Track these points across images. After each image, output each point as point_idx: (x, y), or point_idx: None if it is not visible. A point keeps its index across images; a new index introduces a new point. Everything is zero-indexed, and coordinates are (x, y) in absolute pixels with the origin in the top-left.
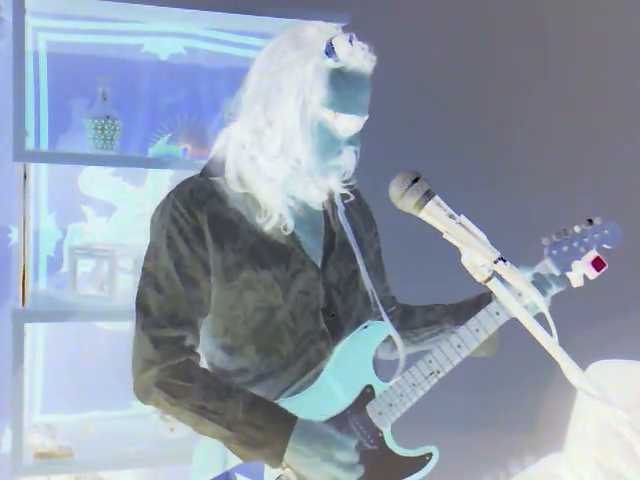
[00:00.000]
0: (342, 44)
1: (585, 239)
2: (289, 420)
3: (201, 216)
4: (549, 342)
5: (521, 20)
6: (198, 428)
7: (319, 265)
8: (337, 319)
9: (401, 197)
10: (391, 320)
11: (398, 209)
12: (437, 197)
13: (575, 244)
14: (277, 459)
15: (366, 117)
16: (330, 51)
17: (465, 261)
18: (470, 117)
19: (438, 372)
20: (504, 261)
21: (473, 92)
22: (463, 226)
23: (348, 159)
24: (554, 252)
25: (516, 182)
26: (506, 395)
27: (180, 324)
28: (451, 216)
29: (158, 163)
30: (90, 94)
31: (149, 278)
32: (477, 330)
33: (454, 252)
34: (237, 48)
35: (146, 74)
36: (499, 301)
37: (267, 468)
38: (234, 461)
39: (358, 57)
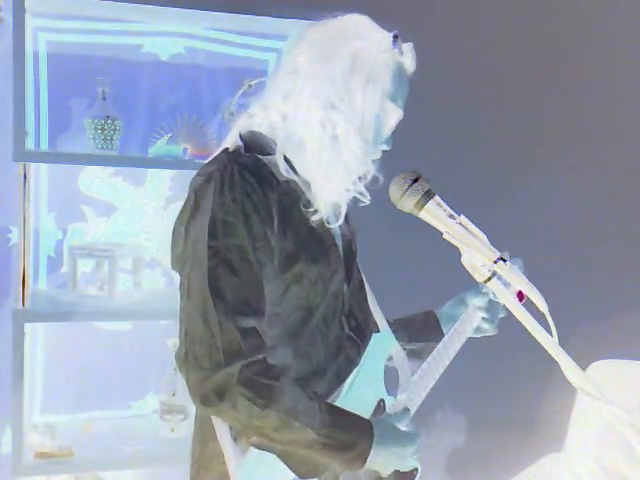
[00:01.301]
0: (401, 40)
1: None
2: (366, 420)
3: (272, 195)
4: (549, 342)
5: (522, 19)
6: (277, 434)
7: (344, 266)
8: (359, 326)
9: (401, 197)
10: None
11: (398, 209)
12: (437, 197)
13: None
14: (362, 460)
15: None
16: (397, 43)
17: (465, 261)
18: (470, 117)
19: (426, 387)
20: (504, 261)
21: (473, 92)
22: (463, 226)
23: (378, 157)
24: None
25: (516, 182)
26: (506, 395)
27: (256, 313)
28: (451, 216)
29: (158, 163)
30: (90, 94)
31: (220, 258)
32: (459, 335)
33: (454, 252)
34: (237, 48)
35: (146, 74)
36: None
37: None
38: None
39: (411, 56)
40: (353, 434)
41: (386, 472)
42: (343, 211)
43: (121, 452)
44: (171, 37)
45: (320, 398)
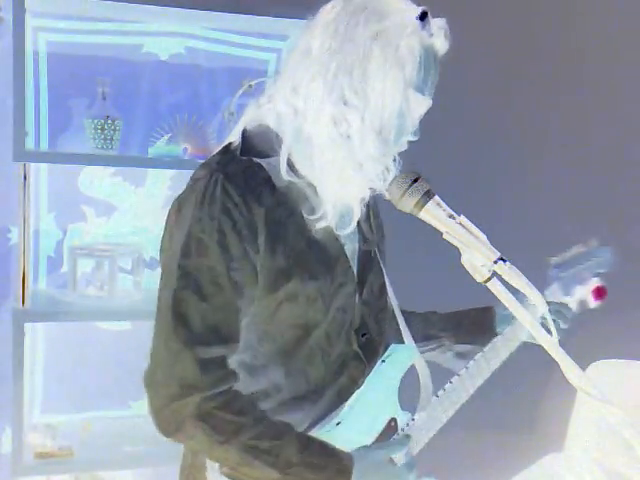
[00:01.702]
0: (431, 19)
1: (588, 262)
2: (346, 457)
3: (258, 210)
4: (549, 342)
5: (524, 18)
6: (241, 469)
7: (356, 277)
8: (372, 341)
9: (401, 197)
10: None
11: (398, 209)
12: (437, 197)
13: (580, 267)
14: None
15: None
16: (424, 24)
17: (465, 261)
18: (470, 117)
19: (456, 403)
20: (504, 261)
21: (473, 91)
22: (463, 226)
23: (402, 149)
24: (562, 275)
25: (516, 182)
26: (506, 395)
27: (225, 340)
28: (451, 216)
29: (158, 163)
30: (90, 94)
31: (188, 280)
32: (492, 358)
33: (454, 252)
34: (237, 48)
35: (146, 74)
36: (513, 328)
37: None
38: None
39: (442, 35)
40: (327, 473)
41: None
42: (355, 217)
43: (121, 452)
44: (171, 37)
45: (293, 433)
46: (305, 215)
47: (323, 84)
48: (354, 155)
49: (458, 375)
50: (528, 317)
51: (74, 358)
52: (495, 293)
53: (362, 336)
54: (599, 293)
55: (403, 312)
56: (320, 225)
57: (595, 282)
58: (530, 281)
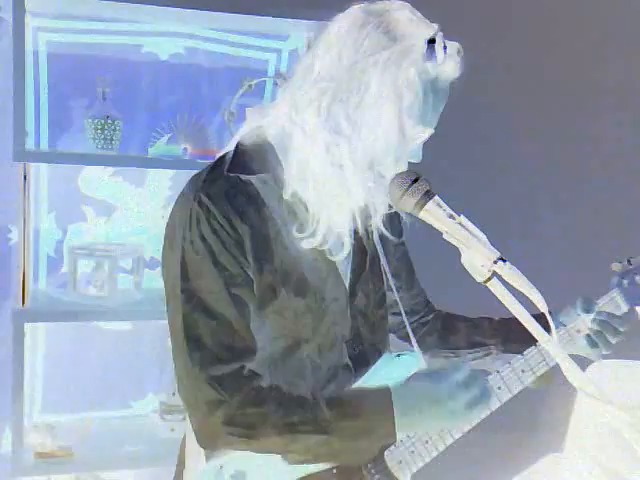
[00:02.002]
0: (440, 46)
1: None
2: (383, 393)
3: (242, 228)
4: (549, 342)
5: (526, 18)
6: (289, 448)
7: (348, 290)
8: (363, 352)
9: (401, 197)
10: (427, 332)
11: (398, 209)
12: (437, 197)
13: None
14: (391, 437)
15: None
16: (430, 53)
17: (465, 261)
18: (471, 116)
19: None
20: (504, 261)
21: (474, 91)
22: (463, 226)
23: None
24: (625, 282)
25: (517, 182)
26: None
27: (240, 355)
28: (451, 216)
29: (158, 163)
30: (90, 94)
31: (194, 303)
32: (523, 371)
33: (454, 252)
34: (237, 48)
35: (146, 74)
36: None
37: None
38: None
39: (452, 63)
40: (367, 416)
41: (452, 429)
42: (346, 243)
43: (121, 452)
44: (171, 37)
45: (319, 397)
46: (295, 232)
47: (318, 110)
48: (345, 184)
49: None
50: (528, 317)
51: (74, 358)
52: (495, 293)
53: (354, 347)
54: None
55: (448, 317)
56: (308, 245)
57: None
58: (531, 282)
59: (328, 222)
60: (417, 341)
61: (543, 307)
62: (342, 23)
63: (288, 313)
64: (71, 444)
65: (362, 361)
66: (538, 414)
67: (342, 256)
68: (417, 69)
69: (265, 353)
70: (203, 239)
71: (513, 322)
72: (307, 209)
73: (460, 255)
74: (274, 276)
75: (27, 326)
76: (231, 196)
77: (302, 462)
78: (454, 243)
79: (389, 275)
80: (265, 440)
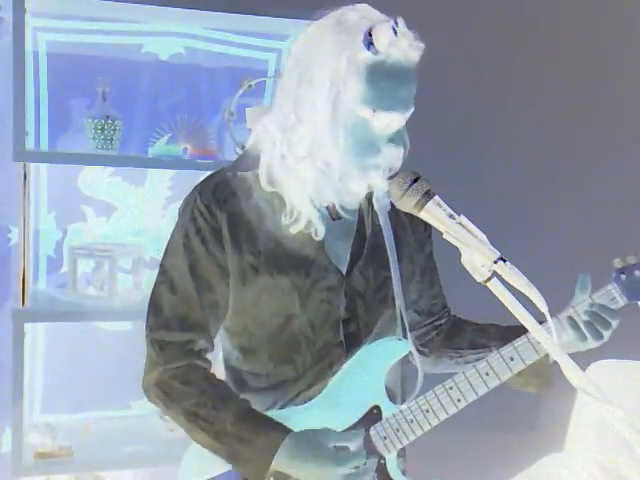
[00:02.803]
0: (383, 34)
1: None
2: (277, 436)
3: (220, 215)
4: (549, 342)
5: (525, 18)
6: (190, 434)
7: (344, 272)
8: (357, 331)
9: (401, 197)
10: (436, 334)
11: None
12: (437, 197)
13: None
14: (260, 476)
15: (410, 111)
16: (369, 42)
17: (465, 261)
18: (471, 117)
19: (458, 401)
20: (504, 261)
21: (474, 91)
22: (463, 226)
23: (389, 157)
24: (623, 277)
25: (517, 182)
26: (506, 395)
27: (190, 328)
28: (451, 216)
29: (158, 163)
30: (90, 94)
31: (164, 276)
32: (512, 359)
33: (454, 252)
34: (237, 48)
35: (146, 74)
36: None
37: None
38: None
39: (402, 47)
40: (253, 448)
41: None
42: (319, 227)
43: (121, 452)
44: (171, 37)
45: (235, 406)
46: (283, 217)
47: (274, 111)
48: (291, 173)
49: (463, 372)
50: (528, 317)
51: (74, 358)
52: (495, 293)
53: (350, 326)
54: None
55: (458, 321)
56: (294, 229)
57: None
58: (531, 281)
59: (302, 212)
60: (426, 341)
61: (543, 307)
62: (304, 32)
63: (276, 291)
64: (71, 444)
65: (355, 340)
66: (538, 414)
67: (318, 238)
68: (350, 59)
69: (264, 330)
70: (183, 225)
71: (521, 329)
72: (291, 202)
73: (460, 255)
74: (255, 258)
75: (27, 326)
76: (218, 189)
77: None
78: (454, 243)
79: (392, 261)
80: (176, 416)
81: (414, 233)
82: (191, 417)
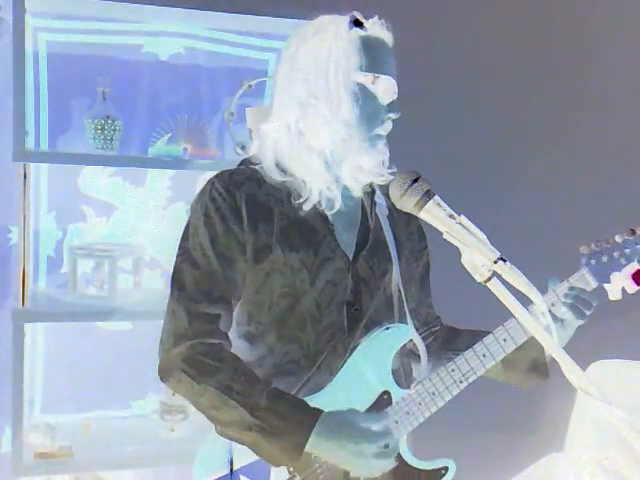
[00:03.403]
0: (361, 17)
1: (627, 250)
2: (314, 412)
3: (239, 195)
4: (549, 342)
5: (524, 18)
6: (217, 413)
7: (350, 257)
8: (360, 314)
9: (401, 197)
10: (433, 340)
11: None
12: (437, 197)
13: (616, 254)
14: (297, 451)
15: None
16: (355, 22)
17: (465, 261)
18: (471, 116)
19: (460, 382)
20: (504, 261)
21: (474, 91)
22: (463, 226)
23: (389, 127)
24: (592, 262)
25: (517, 182)
26: (506, 395)
27: (216, 301)
28: (451, 216)
29: (158, 163)
30: (90, 94)
31: (186, 255)
32: (505, 340)
33: (454, 252)
34: (237, 48)
35: (146, 74)
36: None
37: (273, 470)
38: (238, 462)
39: (379, 27)
40: (289, 422)
41: (351, 470)
42: (337, 197)
43: (121, 452)
44: (171, 37)
45: (268, 384)
46: (293, 200)
47: (281, 101)
48: (311, 148)
49: (462, 355)
50: (528, 317)
51: (74, 358)
52: (495, 293)
53: (354, 310)
54: (638, 277)
55: (452, 328)
56: (306, 207)
57: (634, 266)
58: (531, 281)
59: (318, 185)
60: (425, 347)
61: (543, 307)
62: (288, 42)
63: (286, 269)
64: (71, 444)
65: (357, 323)
66: (538, 414)
67: (334, 210)
68: (348, 36)
69: (272, 313)
70: (202, 207)
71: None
72: (305, 182)
73: (460, 255)
74: (269, 236)
75: (27, 326)
76: (234, 175)
77: (224, 435)
78: (454, 243)
79: (394, 256)
80: (204, 392)
81: (409, 240)
82: (225, 390)
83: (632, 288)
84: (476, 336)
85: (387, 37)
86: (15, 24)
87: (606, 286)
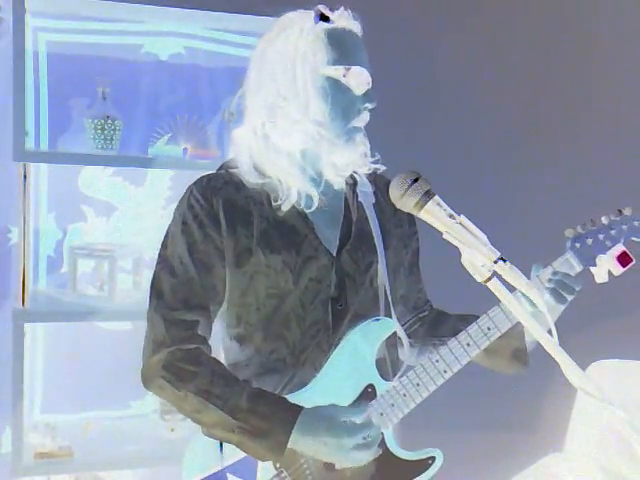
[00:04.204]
0: (326, 10)
1: (612, 231)
2: (294, 410)
3: (216, 201)
4: (549, 342)
5: (524, 18)
6: (200, 416)
7: (334, 253)
8: (345, 310)
9: (401, 197)
10: (420, 325)
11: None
12: (437, 197)
13: (601, 236)
14: (279, 450)
15: (370, 79)
16: (319, 17)
17: (465, 261)
18: (471, 116)
19: (445, 372)
20: (504, 261)
21: (474, 91)
22: (463, 226)
23: (366, 117)
24: (577, 245)
25: (517, 182)
26: (506, 395)
27: (192, 308)
28: (451, 216)
29: (158, 163)
30: (90, 94)
31: (164, 263)
32: (489, 328)
33: (454, 252)
34: (237, 48)
35: (146, 74)
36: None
37: (260, 467)
38: (226, 461)
39: (345, 18)
40: (270, 422)
41: (335, 463)
42: (314, 195)
43: (121, 452)
44: (171, 37)
45: (247, 385)
46: (273, 202)
47: (251, 105)
48: (279, 150)
49: (446, 344)
50: (528, 317)
51: (74, 358)
52: (495, 293)
53: (339, 306)
54: (624, 259)
55: (441, 313)
56: (285, 207)
57: (619, 248)
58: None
59: (294, 185)
60: (411, 332)
61: (543, 307)
62: (259, 42)
63: (269, 270)
64: (71, 444)
65: (340, 319)
66: (538, 414)
67: (313, 208)
68: (314, 31)
69: (261, 313)
70: (180, 215)
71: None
72: (280, 182)
73: (460, 255)
74: (249, 239)
75: (27, 326)
76: (212, 180)
77: (210, 436)
78: (454, 243)
79: (379, 247)
80: (185, 397)
81: (397, 227)
82: (204, 394)
83: (617, 270)
84: (463, 321)
85: (355, 27)
86: (15, 24)
87: (592, 269)
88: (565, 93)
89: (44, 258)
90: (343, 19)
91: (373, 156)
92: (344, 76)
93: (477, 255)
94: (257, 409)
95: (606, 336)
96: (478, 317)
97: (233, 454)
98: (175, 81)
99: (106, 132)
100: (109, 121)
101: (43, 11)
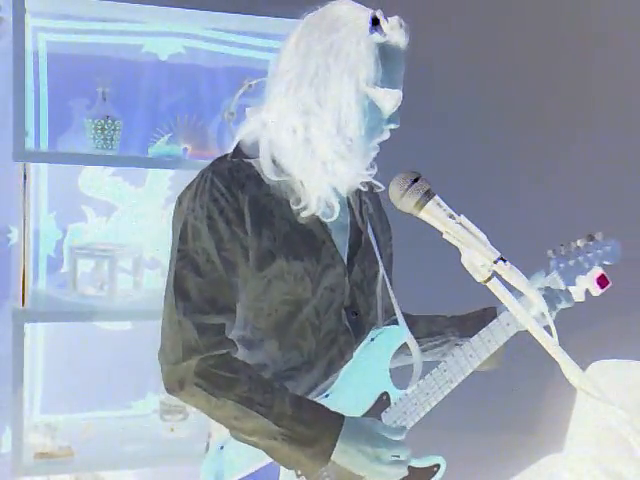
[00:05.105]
0: (383, 19)
1: (588, 254)
2: (338, 417)
3: (242, 197)
4: (549, 342)
5: (524, 18)
6: (237, 423)
7: (345, 261)
8: (360, 318)
9: (401, 197)
10: None
11: (398, 209)
12: (437, 197)
13: (580, 259)
14: (325, 457)
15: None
16: (375, 26)
17: (465, 261)
18: (471, 116)
19: (451, 382)
20: (504, 261)
21: (474, 91)
22: (463, 226)
23: (386, 137)
24: (561, 266)
25: (516, 182)
26: (506, 395)
27: (221, 310)
28: (451, 216)
29: (158, 163)
30: (90, 94)
31: (187, 260)
32: (489, 340)
33: (454, 252)
34: (237, 48)
35: (146, 74)
36: (511, 312)
37: (282, 475)
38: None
39: (398, 31)
40: (316, 429)
41: (366, 475)
42: (336, 206)
43: (121, 452)
44: (171, 37)
45: (286, 391)
46: (292, 205)
47: (285, 100)
48: (315, 156)
49: (452, 355)
50: (528, 317)
51: (74, 358)
52: (495, 293)
53: (353, 314)
54: (602, 281)
55: (408, 315)
56: (305, 214)
57: (597, 270)
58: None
59: (317, 193)
60: None
61: (543, 307)
62: (297, 28)
63: (289, 276)
64: (71, 444)
65: (359, 327)
66: (538, 414)
67: (332, 219)
68: (366, 41)
69: (270, 320)
70: (203, 207)
71: (466, 314)
72: (302, 184)
73: (460, 255)
74: (272, 242)
75: (27, 326)
76: (234, 172)
77: (245, 441)
78: (454, 243)
79: (378, 256)
80: (223, 405)
81: (383, 234)
82: (246, 402)
83: (596, 291)
84: (432, 322)
85: (403, 42)
86: (15, 24)
87: (571, 288)
88: (565, 93)
89: (44, 258)
90: (396, 32)
91: (373, 167)
92: (383, 99)
93: (477, 255)
94: (302, 416)
95: (606, 336)
96: (443, 316)
97: (252, 462)
98: (175, 81)
99: (106, 132)
100: (109, 121)
101: (43, 11)
